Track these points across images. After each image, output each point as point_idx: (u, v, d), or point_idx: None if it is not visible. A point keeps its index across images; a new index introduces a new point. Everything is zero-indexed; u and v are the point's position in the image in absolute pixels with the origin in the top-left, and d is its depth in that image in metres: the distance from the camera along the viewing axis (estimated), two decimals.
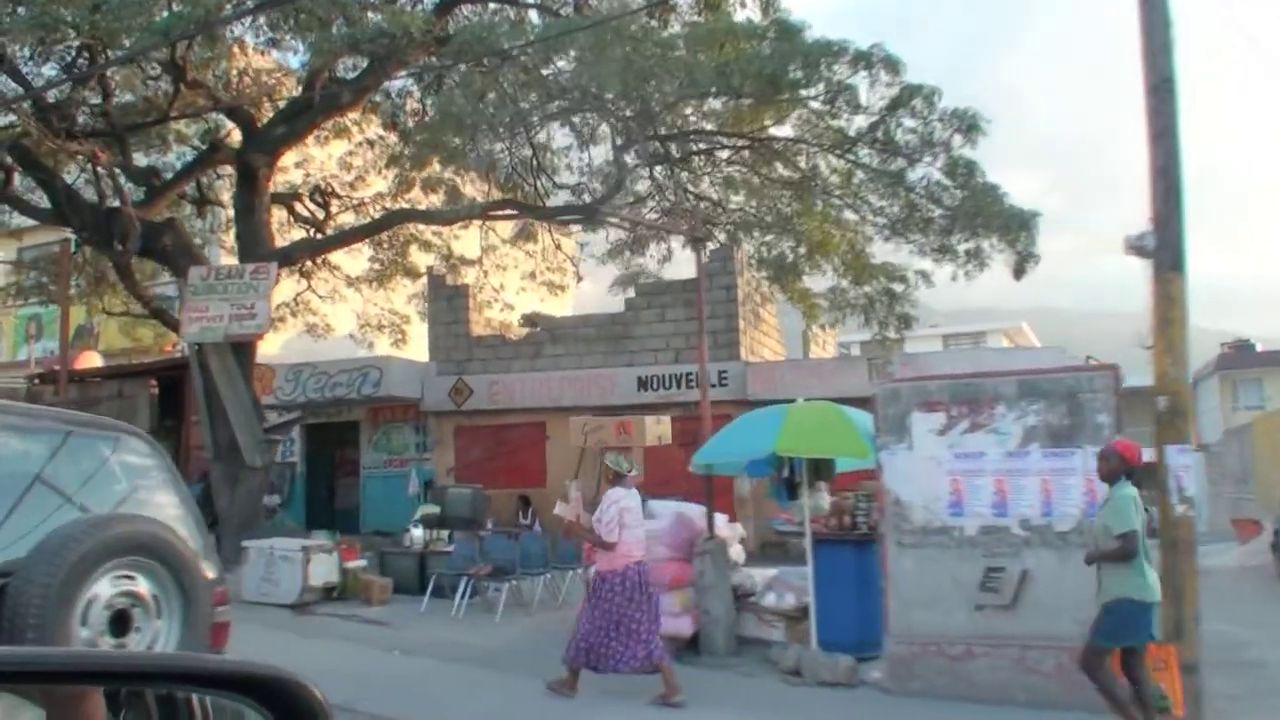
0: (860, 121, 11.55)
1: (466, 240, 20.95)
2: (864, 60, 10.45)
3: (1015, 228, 10.82)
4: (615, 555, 7.51)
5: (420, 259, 20.70)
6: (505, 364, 18.16)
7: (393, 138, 19.77)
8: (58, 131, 16.26)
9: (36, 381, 22.23)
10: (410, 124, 19.37)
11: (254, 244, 15.60)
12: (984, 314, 51.30)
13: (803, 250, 15.75)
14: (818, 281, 17.13)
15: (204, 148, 16.81)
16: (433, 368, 18.61)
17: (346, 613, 11.59)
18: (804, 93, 11.10)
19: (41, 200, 17.59)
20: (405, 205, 20.39)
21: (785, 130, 12.84)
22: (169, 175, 17.15)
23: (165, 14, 14.53)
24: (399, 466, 18.93)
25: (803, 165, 13.02)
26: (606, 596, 7.52)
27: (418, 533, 12.84)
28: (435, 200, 19.86)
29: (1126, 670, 6.51)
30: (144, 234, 15.16)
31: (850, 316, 15.58)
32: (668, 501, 11.29)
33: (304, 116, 15.86)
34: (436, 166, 20.11)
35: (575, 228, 19.55)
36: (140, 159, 18.29)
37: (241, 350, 15.21)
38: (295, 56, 18.29)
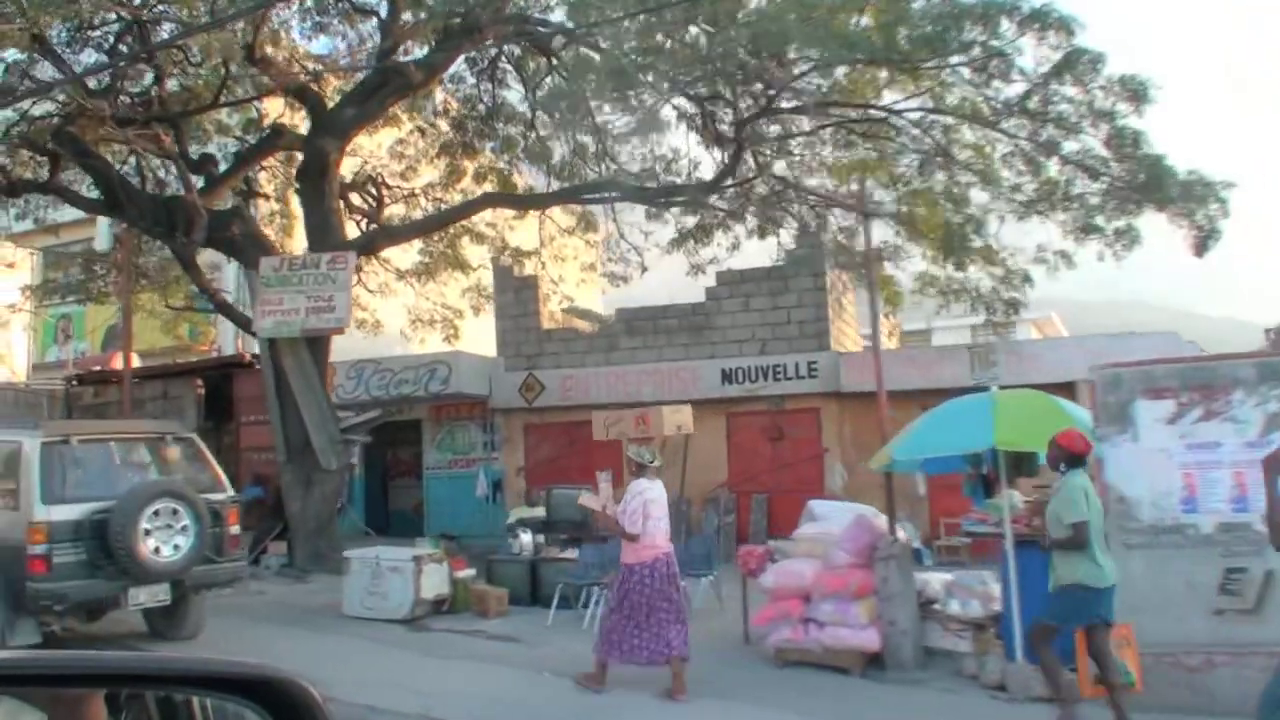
0: (1009, 89, 10.56)
1: (521, 231, 19.93)
2: (1038, 20, 9.47)
3: (1201, 199, 9.88)
4: (641, 546, 7.42)
5: (473, 252, 19.65)
6: (579, 358, 17.15)
7: (443, 125, 18.77)
8: (106, 118, 15.19)
9: (75, 383, 21.07)
10: (468, 110, 18.38)
11: (324, 233, 14.54)
12: None
13: (900, 232, 14.78)
14: (904, 266, 16.13)
15: (261, 133, 15.69)
16: (500, 363, 17.55)
17: (465, 627, 10.58)
18: (957, 58, 10.11)
19: (82, 191, 16.53)
20: (459, 196, 19.42)
21: (910, 100, 11.81)
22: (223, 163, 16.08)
23: None
24: (465, 467, 17.90)
25: (934, 138, 12.00)
26: (635, 588, 7.42)
27: (527, 538, 11.80)
28: (488, 188, 18.89)
29: (1091, 649, 6.78)
30: (210, 223, 14.06)
31: (955, 302, 14.60)
32: (834, 503, 10.31)
33: (375, 98, 14.78)
34: (489, 154, 19.20)
35: (638, 215, 18.48)
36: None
37: (316, 346, 14.18)
38: (343, 41, 17.25)
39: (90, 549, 8.60)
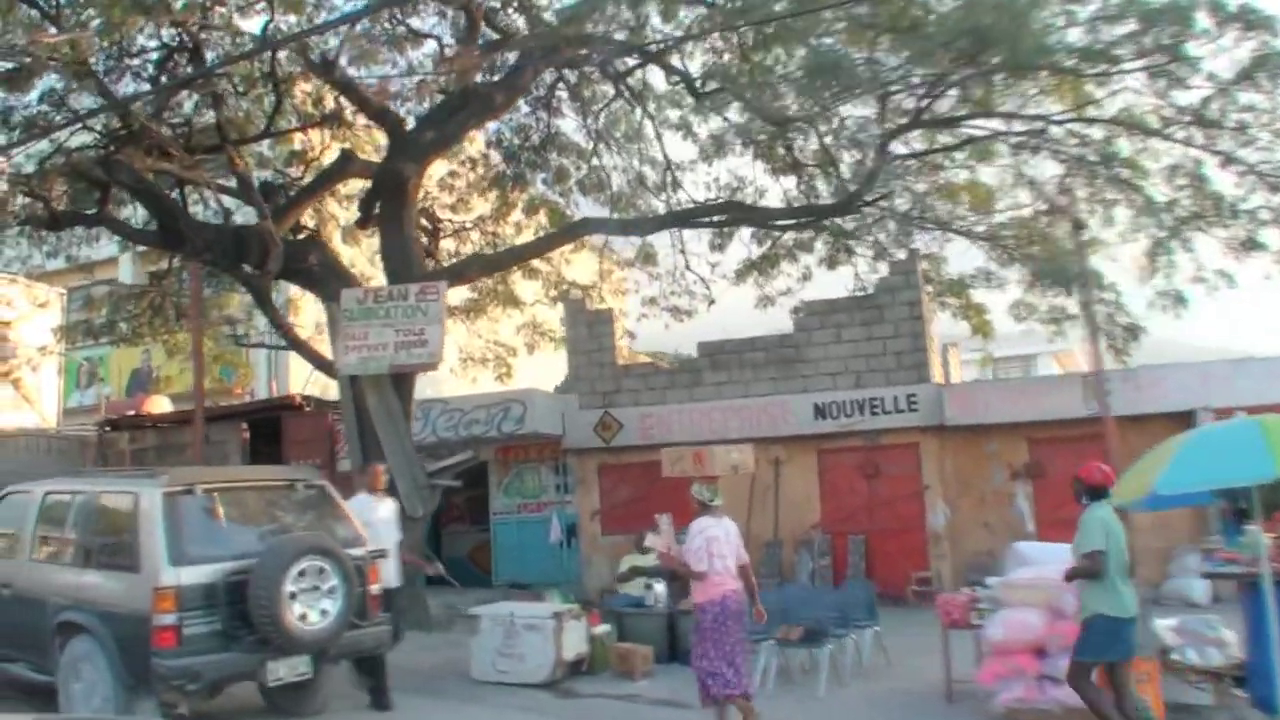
0: (1184, 95, 9.52)
1: (577, 266, 18.72)
2: (1240, 19, 8.45)
3: None
4: (709, 584, 7.22)
5: (524, 287, 18.39)
6: (659, 394, 15.87)
7: (494, 155, 17.62)
8: (154, 146, 13.94)
9: (108, 429, 19.45)
10: (521, 140, 17.25)
11: (404, 264, 13.24)
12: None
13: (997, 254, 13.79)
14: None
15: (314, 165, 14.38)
16: (574, 401, 16.21)
17: (615, 691, 9.23)
18: (1138, 63, 9.06)
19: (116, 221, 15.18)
20: (511, 229, 18.21)
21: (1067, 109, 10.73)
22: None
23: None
24: (534, 511, 16.48)
25: (1094, 150, 10.93)
26: (712, 626, 7.21)
27: (660, 588, 10.46)
28: (540, 222, 17.70)
29: (1111, 682, 6.72)
30: (285, 253, 12.71)
31: (1071, 329, 13.53)
32: (1042, 544, 9.07)
33: (453, 121, 13.56)
34: (540, 186, 18.02)
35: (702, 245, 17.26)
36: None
37: (401, 385, 12.79)
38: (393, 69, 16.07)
39: (225, 617, 7.18)
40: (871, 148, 12.23)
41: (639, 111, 17.13)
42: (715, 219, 14.59)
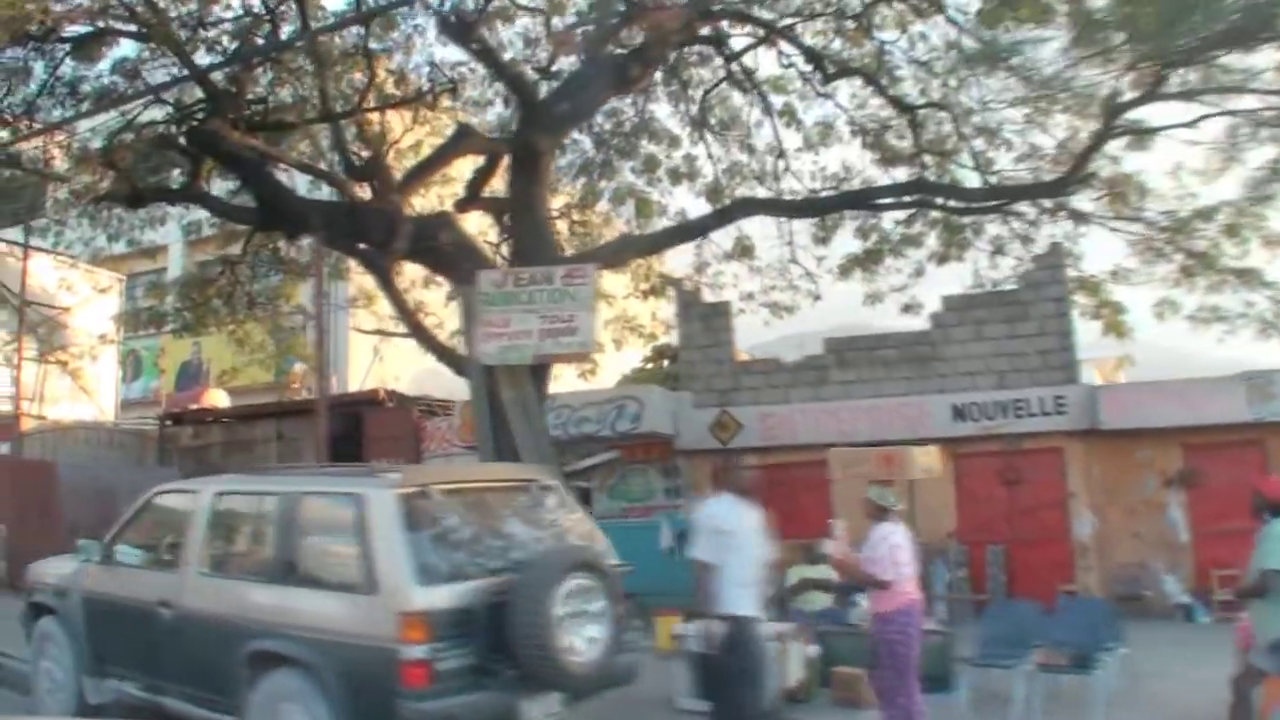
0: None
1: (670, 257, 17.29)
2: None
3: None
4: (896, 594, 6.63)
5: (608, 281, 16.88)
6: (781, 393, 14.43)
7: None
8: (236, 123, 12.42)
9: (169, 423, 17.74)
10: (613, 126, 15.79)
11: (538, 245, 11.72)
12: None
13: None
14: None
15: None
16: (687, 399, 14.73)
17: None
18: None
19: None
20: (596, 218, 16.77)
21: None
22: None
23: None
24: (642, 516, 14.96)
25: None
26: (899, 639, 6.60)
27: (866, 604, 8.98)
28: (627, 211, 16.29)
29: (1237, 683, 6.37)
30: (414, 231, 11.16)
31: (1242, 328, 12.26)
32: None
33: (588, 93, 12.07)
34: (629, 175, 16.59)
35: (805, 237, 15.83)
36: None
37: (539, 377, 11.25)
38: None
39: (480, 648, 5.65)
40: (1096, 118, 10.86)
41: (743, 96, 15.85)
42: (899, 199, 13.12)
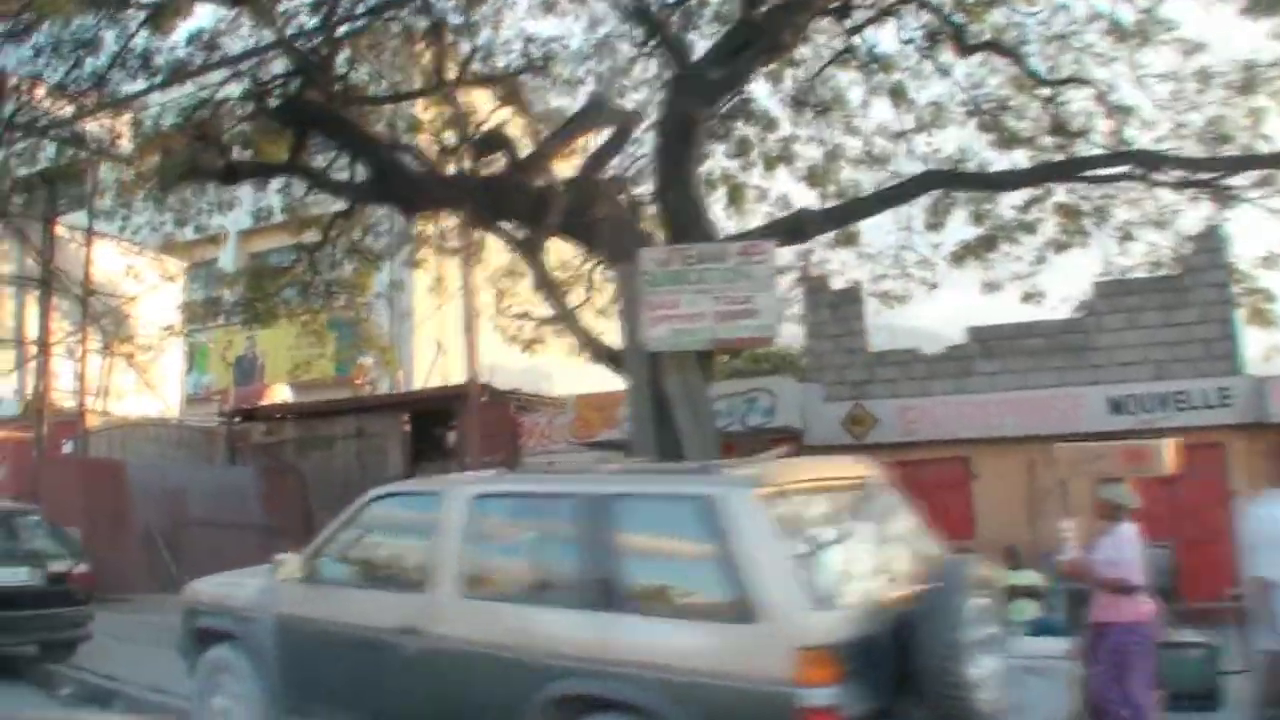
0: None
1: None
2: None
3: None
4: (1140, 601, 6.03)
5: None
6: (920, 385, 13.16)
7: None
8: (332, 96, 11.08)
9: (237, 420, 16.18)
10: None
11: (692, 220, 10.36)
12: None
13: None
14: None
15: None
16: (816, 392, 13.41)
17: None
18: None
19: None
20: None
21: None
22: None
23: None
24: None
25: None
26: (1139, 653, 5.95)
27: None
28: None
29: None
30: (569, 204, 9.79)
31: None
32: None
33: (742, 58, 10.75)
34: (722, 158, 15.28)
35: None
36: None
37: (706, 365, 9.91)
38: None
39: (880, 688, 4.30)
40: None
41: (854, 73, 14.62)
42: (1108, 170, 11.86)
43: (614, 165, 12.00)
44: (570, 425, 13.63)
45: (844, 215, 12.18)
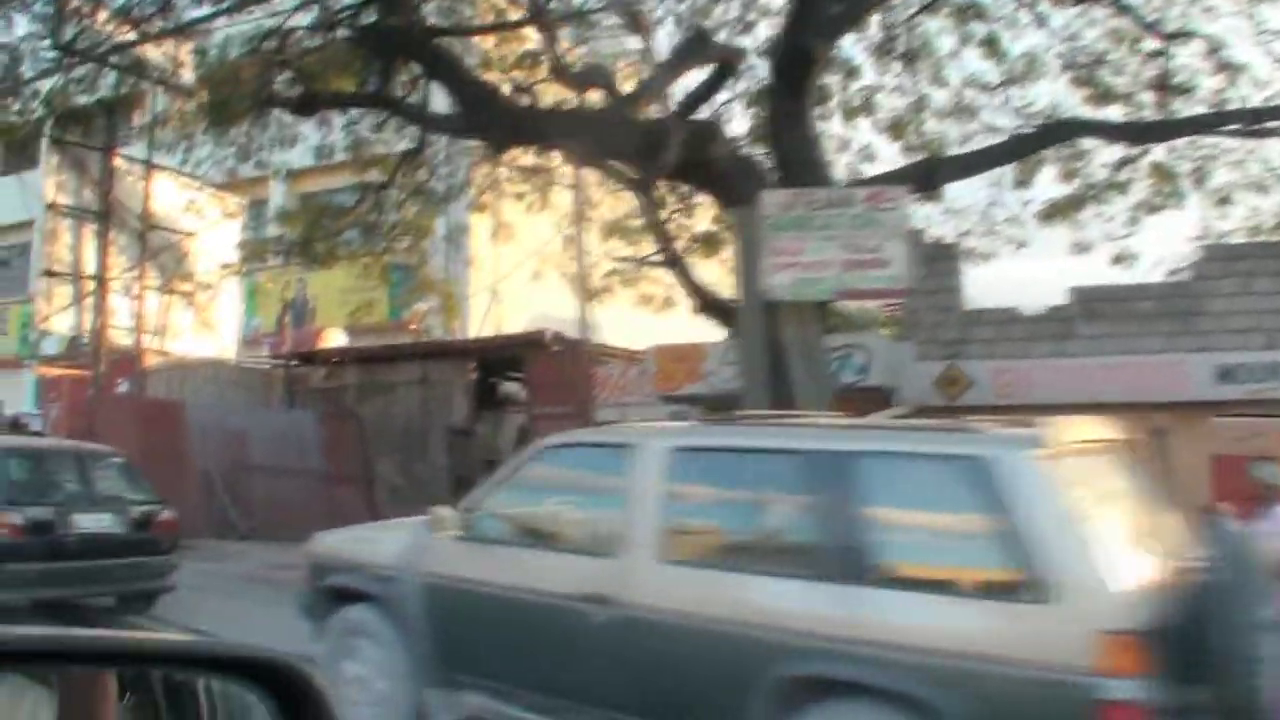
0: None
1: None
2: None
3: None
4: None
5: None
6: (1020, 346, 12.48)
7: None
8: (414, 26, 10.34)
9: (295, 363, 15.58)
10: None
11: (807, 166, 9.66)
12: None
13: None
14: None
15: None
16: (909, 350, 12.77)
17: None
18: None
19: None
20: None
21: None
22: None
23: None
24: None
25: None
26: None
27: None
28: None
29: None
30: (685, 143, 9.07)
31: None
32: None
33: None
34: None
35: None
36: None
37: (822, 317, 9.27)
38: None
39: (1176, 670, 3.71)
40: None
41: (944, 21, 13.82)
42: (1260, 125, 11.12)
43: (709, 106, 11.26)
44: (651, 377, 13.00)
45: (975, 163, 11.44)
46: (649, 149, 9.10)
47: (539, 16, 10.67)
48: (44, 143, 13.97)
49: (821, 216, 8.90)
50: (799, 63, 9.73)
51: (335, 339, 16.99)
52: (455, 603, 5.22)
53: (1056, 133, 11.03)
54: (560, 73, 10.79)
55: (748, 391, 9.44)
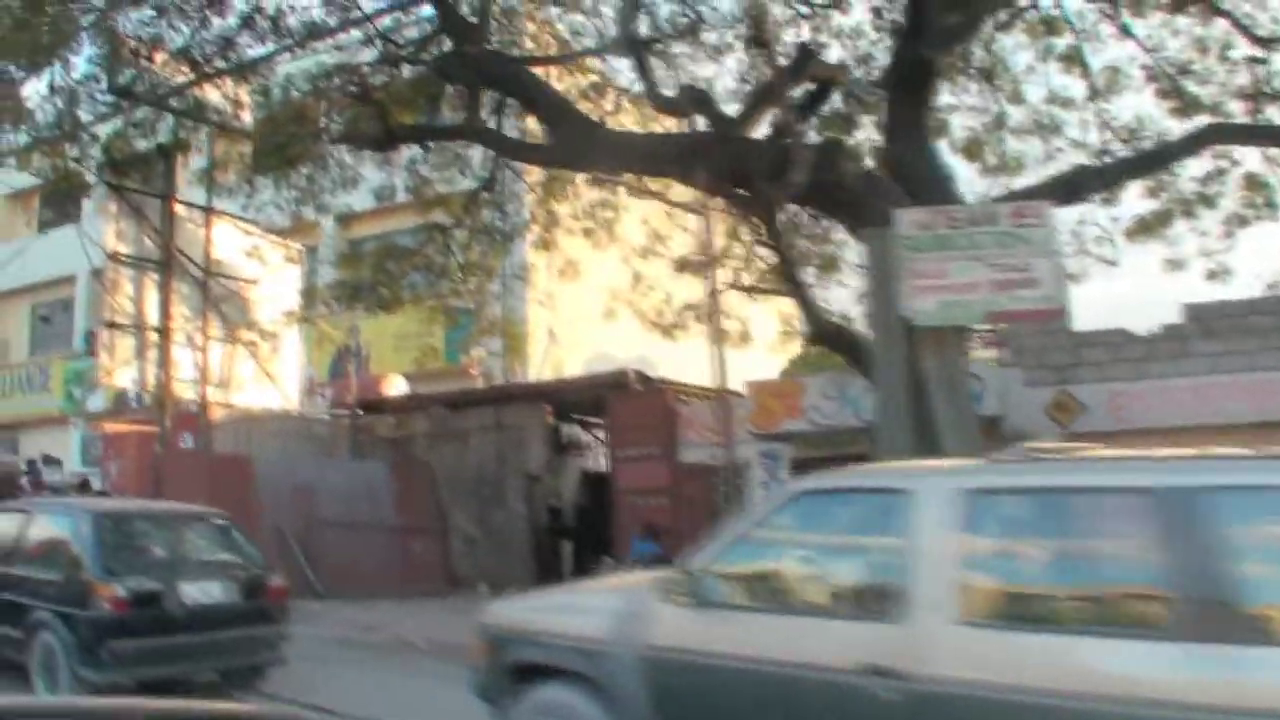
0: None
1: None
2: None
3: None
4: None
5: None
6: (1134, 368, 11.81)
7: None
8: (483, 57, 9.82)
9: (359, 413, 14.86)
10: None
11: (930, 182, 9.02)
12: None
13: None
14: None
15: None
16: (1016, 377, 12.07)
17: None
18: None
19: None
20: None
21: None
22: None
23: None
24: None
25: None
26: None
27: None
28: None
29: None
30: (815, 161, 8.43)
31: None
32: None
33: (979, 3, 9.42)
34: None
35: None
36: None
37: (965, 346, 8.59)
38: None
39: None
40: None
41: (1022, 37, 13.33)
42: None
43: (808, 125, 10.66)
44: (749, 415, 12.28)
45: (1122, 172, 10.83)
46: (775, 170, 8.46)
47: (629, 41, 10.08)
48: (93, 194, 13.37)
49: (964, 235, 8.23)
50: (918, 74, 9.14)
51: (396, 386, 16.30)
52: (688, 680, 4.46)
53: (1205, 137, 10.40)
54: (654, 97, 10.18)
55: (884, 427, 8.72)
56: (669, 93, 10.23)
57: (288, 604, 8.00)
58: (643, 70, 10.32)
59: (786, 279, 10.04)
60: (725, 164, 8.82)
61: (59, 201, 17.27)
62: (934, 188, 9.06)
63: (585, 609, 5.01)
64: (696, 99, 9.88)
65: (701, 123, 9.96)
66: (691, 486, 12.70)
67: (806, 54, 10.06)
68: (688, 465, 12.87)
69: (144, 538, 7.79)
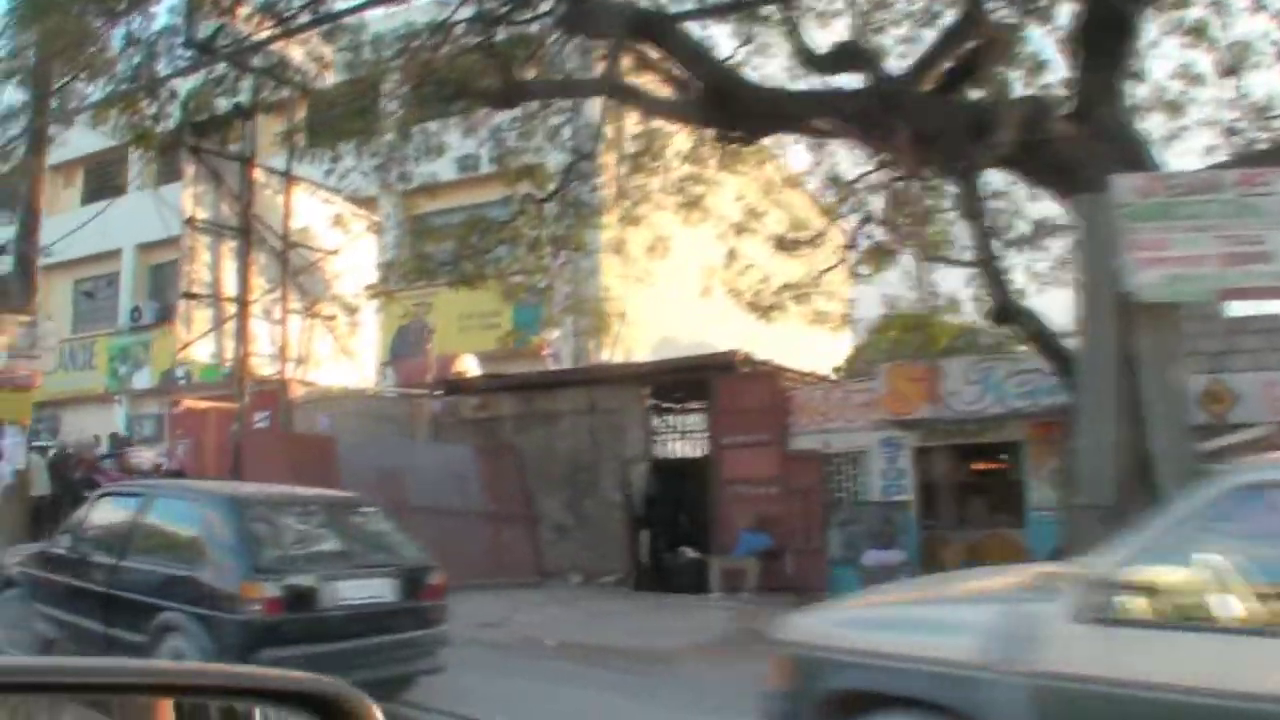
0: None
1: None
2: None
3: None
4: None
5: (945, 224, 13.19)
6: None
7: None
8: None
9: (440, 393, 13.90)
10: None
11: (1131, 146, 8.14)
12: None
13: None
14: None
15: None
16: None
17: None
18: None
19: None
20: None
21: None
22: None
23: None
24: None
25: None
26: None
27: None
28: None
29: None
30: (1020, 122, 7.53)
31: None
32: None
33: None
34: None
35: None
36: None
37: (1179, 323, 7.73)
38: None
39: None
40: None
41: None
42: None
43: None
44: (882, 399, 11.39)
45: None
46: (976, 131, 7.55)
47: None
48: (171, 155, 12.34)
49: (1187, 204, 7.37)
50: (1112, 30, 8.24)
51: (467, 368, 15.34)
52: (1109, 716, 3.58)
53: None
54: (804, 54, 9.25)
55: (1090, 411, 7.85)
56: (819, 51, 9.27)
57: (446, 604, 7.05)
58: (792, 27, 9.38)
59: (983, 251, 9.12)
60: (910, 124, 7.90)
61: (94, 179, 16.17)
62: (1136, 152, 8.19)
63: (944, 625, 4.12)
64: (856, 55, 8.96)
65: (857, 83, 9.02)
66: (802, 475, 11.85)
67: (970, 17, 9.14)
68: (797, 453, 12.00)
69: (290, 528, 6.83)
